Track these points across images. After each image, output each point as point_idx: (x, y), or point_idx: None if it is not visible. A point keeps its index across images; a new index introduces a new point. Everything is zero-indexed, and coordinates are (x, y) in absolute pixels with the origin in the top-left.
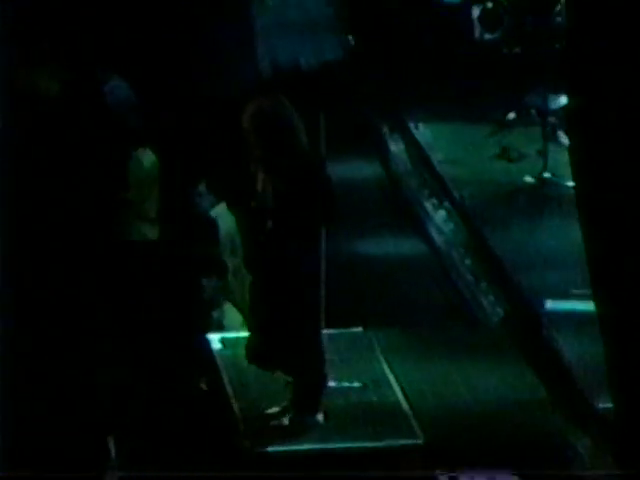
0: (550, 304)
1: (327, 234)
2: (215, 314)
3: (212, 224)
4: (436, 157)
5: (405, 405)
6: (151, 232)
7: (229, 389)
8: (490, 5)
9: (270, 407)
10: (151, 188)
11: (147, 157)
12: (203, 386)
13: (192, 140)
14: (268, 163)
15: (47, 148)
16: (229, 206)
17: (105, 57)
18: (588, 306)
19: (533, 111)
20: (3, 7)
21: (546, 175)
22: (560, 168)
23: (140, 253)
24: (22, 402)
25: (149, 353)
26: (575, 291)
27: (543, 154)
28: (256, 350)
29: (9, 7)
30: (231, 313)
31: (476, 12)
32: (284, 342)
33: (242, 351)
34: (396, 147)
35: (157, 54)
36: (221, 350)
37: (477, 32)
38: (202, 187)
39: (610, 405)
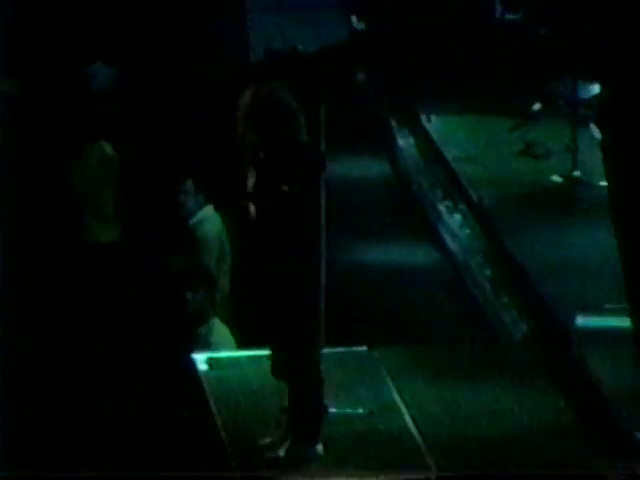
0: (580, 319)
1: (328, 239)
2: (201, 331)
3: (191, 230)
4: (451, 153)
5: (415, 433)
6: (108, 233)
7: (217, 416)
8: None
9: (263, 436)
10: (110, 182)
11: (108, 147)
12: (186, 413)
13: (177, 132)
14: (263, 156)
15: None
16: (217, 207)
17: (90, 41)
18: (623, 322)
19: (561, 101)
20: (3, 7)
21: (576, 174)
22: (592, 166)
23: (100, 257)
24: (22, 402)
25: (125, 375)
26: (609, 305)
27: (572, 150)
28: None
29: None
30: (220, 329)
31: None
32: (280, 357)
33: (231, 372)
34: (405, 142)
35: (143, 40)
36: (207, 372)
37: (498, 12)
38: (189, 185)
39: None
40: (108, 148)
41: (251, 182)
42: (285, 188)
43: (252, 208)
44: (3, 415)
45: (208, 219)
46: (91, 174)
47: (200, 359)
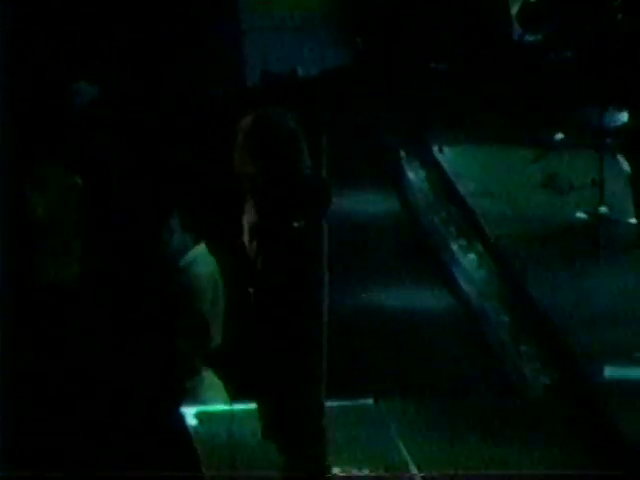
0: (608, 370)
1: (330, 283)
2: (190, 383)
3: (180, 271)
4: (465, 187)
5: None
6: (67, 272)
7: (207, 475)
8: None
9: None
10: (73, 214)
11: (72, 175)
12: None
13: (161, 160)
14: (262, 188)
15: None
16: (210, 247)
17: (76, 58)
18: None
19: (586, 130)
20: (3, 7)
21: (603, 210)
22: (620, 201)
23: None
24: (22, 402)
25: (105, 433)
26: (639, 354)
27: (599, 184)
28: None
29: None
30: (211, 381)
31: (515, 7)
32: (276, 409)
33: (223, 427)
34: (415, 175)
35: (133, 59)
36: (198, 427)
37: (516, 33)
38: (174, 221)
39: None
40: (73, 175)
41: (248, 217)
42: (286, 223)
43: (249, 246)
44: (3, 415)
45: (200, 259)
46: (51, 204)
47: (189, 413)
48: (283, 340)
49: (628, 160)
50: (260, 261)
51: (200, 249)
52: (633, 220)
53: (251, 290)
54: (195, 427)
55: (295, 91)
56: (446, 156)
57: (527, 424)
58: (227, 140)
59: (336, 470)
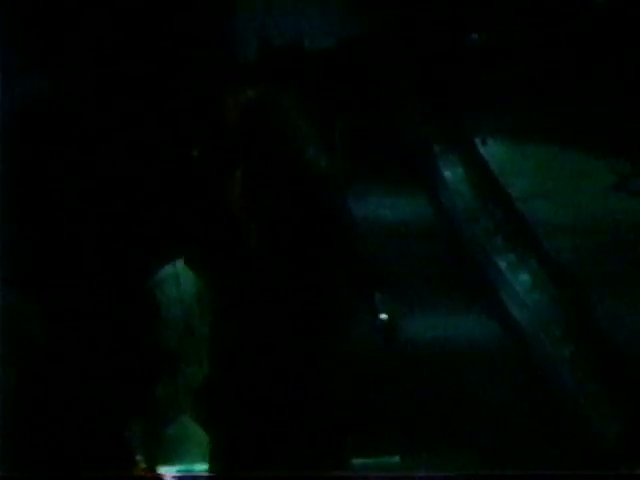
0: None
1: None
2: (165, 431)
3: (145, 294)
4: (516, 189)
5: None
6: None
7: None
8: None
9: None
10: None
11: None
12: None
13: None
14: (260, 188)
15: None
16: (188, 262)
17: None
18: None
19: None
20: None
21: None
22: None
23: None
24: (22, 402)
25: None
26: None
27: None
28: None
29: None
30: (188, 432)
31: None
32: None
33: None
34: (452, 173)
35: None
36: None
37: None
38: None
39: None
40: None
41: (236, 212)
42: (288, 232)
43: (234, 258)
44: (3, 415)
45: (172, 280)
46: None
47: (168, 474)
48: (283, 388)
49: None
50: (255, 283)
51: (174, 268)
52: None
53: (239, 315)
54: None
55: (302, 66)
56: (491, 149)
57: None
58: (213, 125)
59: None
